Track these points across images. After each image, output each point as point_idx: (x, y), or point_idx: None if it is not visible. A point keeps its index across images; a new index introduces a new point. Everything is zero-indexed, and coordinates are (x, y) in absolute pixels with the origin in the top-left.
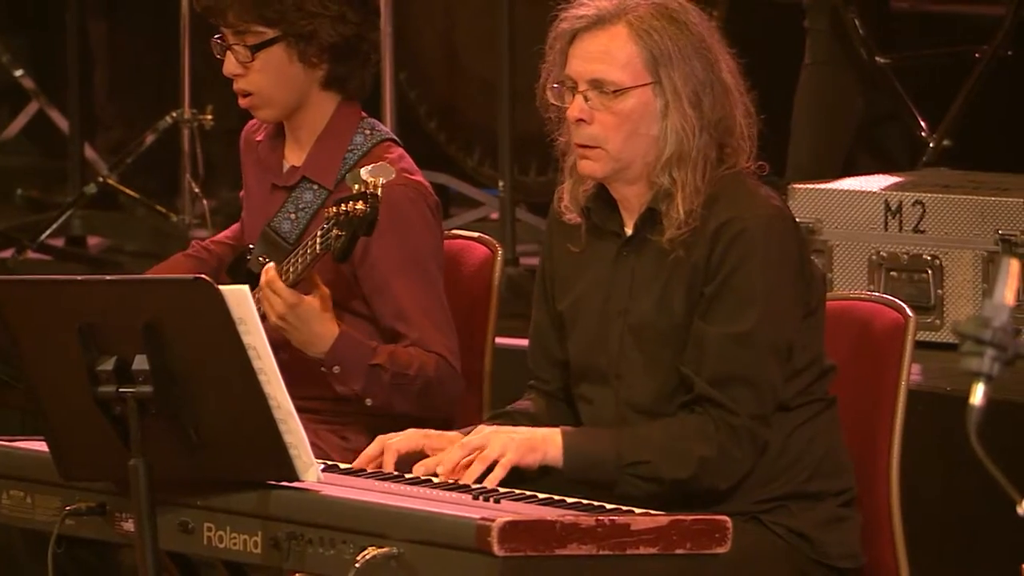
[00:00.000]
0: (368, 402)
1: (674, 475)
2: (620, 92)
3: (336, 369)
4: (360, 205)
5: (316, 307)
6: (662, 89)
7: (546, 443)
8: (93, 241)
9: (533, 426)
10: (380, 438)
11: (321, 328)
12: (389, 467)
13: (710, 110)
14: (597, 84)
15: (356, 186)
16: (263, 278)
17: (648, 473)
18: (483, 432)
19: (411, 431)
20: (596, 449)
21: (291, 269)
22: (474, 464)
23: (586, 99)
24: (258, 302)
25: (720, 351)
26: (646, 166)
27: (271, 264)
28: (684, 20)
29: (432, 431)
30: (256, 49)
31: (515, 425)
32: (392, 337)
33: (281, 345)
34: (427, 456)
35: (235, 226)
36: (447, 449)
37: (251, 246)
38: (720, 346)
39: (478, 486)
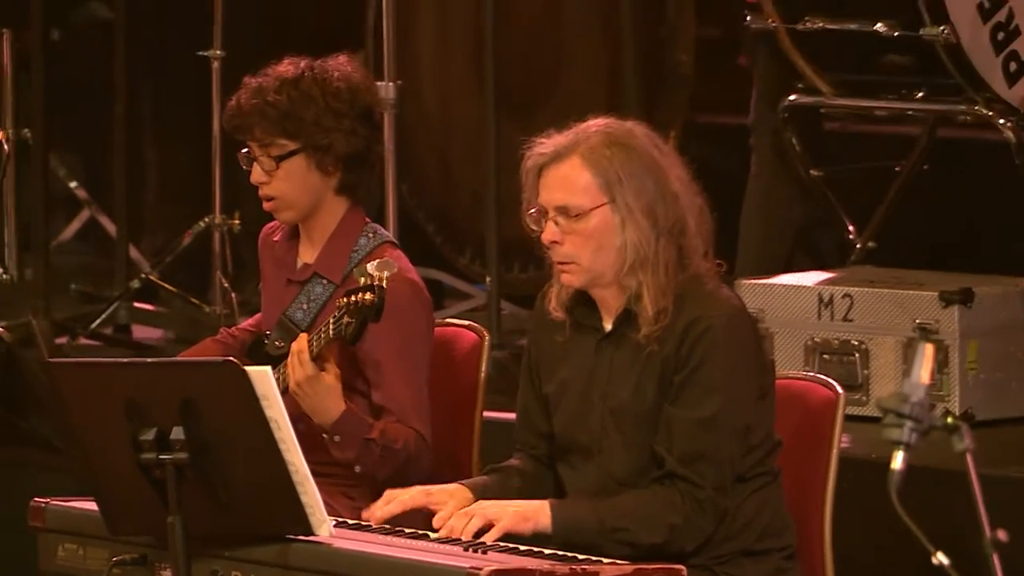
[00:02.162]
0: (357, 469)
1: (649, 540)
2: (582, 215)
3: (336, 438)
4: (368, 295)
5: (330, 383)
6: (617, 207)
7: (537, 514)
8: (137, 329)
9: (525, 481)
10: (388, 492)
11: (330, 403)
12: (389, 515)
13: (663, 218)
14: (562, 210)
15: (363, 279)
16: (295, 346)
17: (626, 538)
18: (483, 504)
19: (416, 488)
20: (580, 518)
21: (314, 344)
22: (473, 520)
23: (556, 223)
24: (280, 373)
25: (687, 433)
26: (616, 273)
27: (303, 335)
28: (631, 144)
29: (434, 487)
30: (280, 160)
31: (508, 479)
32: (378, 410)
33: (299, 417)
34: (429, 510)
35: (257, 316)
36: (452, 516)
37: (268, 332)
38: (687, 429)
39: (468, 540)
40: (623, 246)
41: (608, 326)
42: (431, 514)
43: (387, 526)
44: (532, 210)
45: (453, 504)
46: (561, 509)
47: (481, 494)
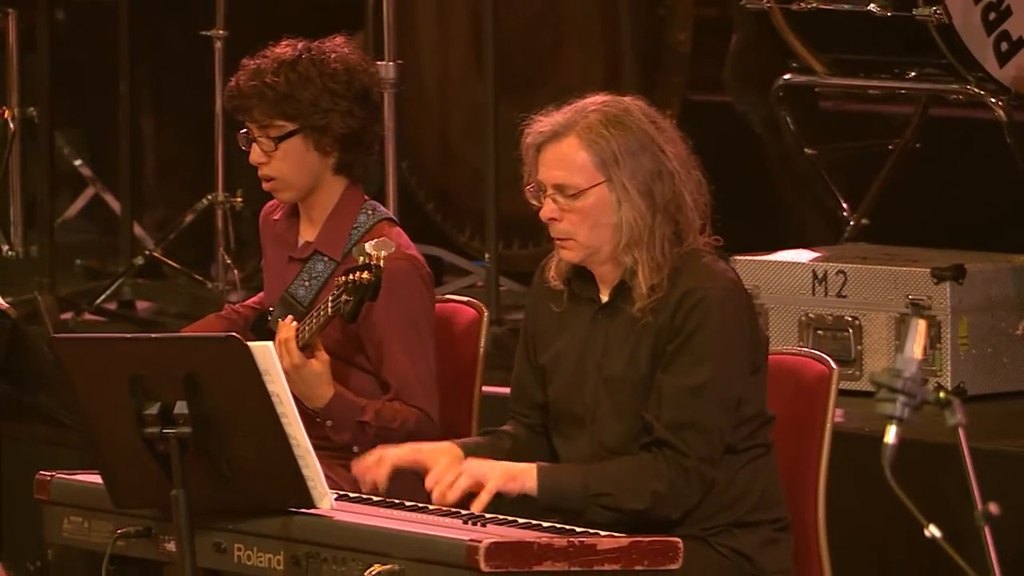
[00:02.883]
0: (355, 450)
1: (631, 506)
2: (579, 194)
3: (328, 423)
4: (366, 275)
5: (317, 370)
6: (614, 185)
7: (524, 475)
8: (141, 305)
9: (515, 444)
10: (379, 449)
11: (319, 389)
12: (383, 476)
13: (660, 195)
14: (560, 188)
15: (361, 258)
16: (281, 334)
17: (610, 503)
18: (471, 463)
19: (407, 445)
20: (566, 482)
21: (306, 329)
22: (461, 478)
23: (554, 201)
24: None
25: (676, 400)
26: (612, 249)
27: (290, 320)
28: (628, 122)
29: (425, 445)
30: (278, 140)
31: (499, 440)
32: (384, 386)
33: None
34: (421, 468)
35: (261, 294)
36: (443, 471)
37: (271, 309)
38: (677, 395)
39: (467, 512)
40: (619, 224)
41: (604, 298)
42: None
43: (387, 499)
44: (531, 185)
45: (445, 462)
46: (548, 472)
47: (472, 452)
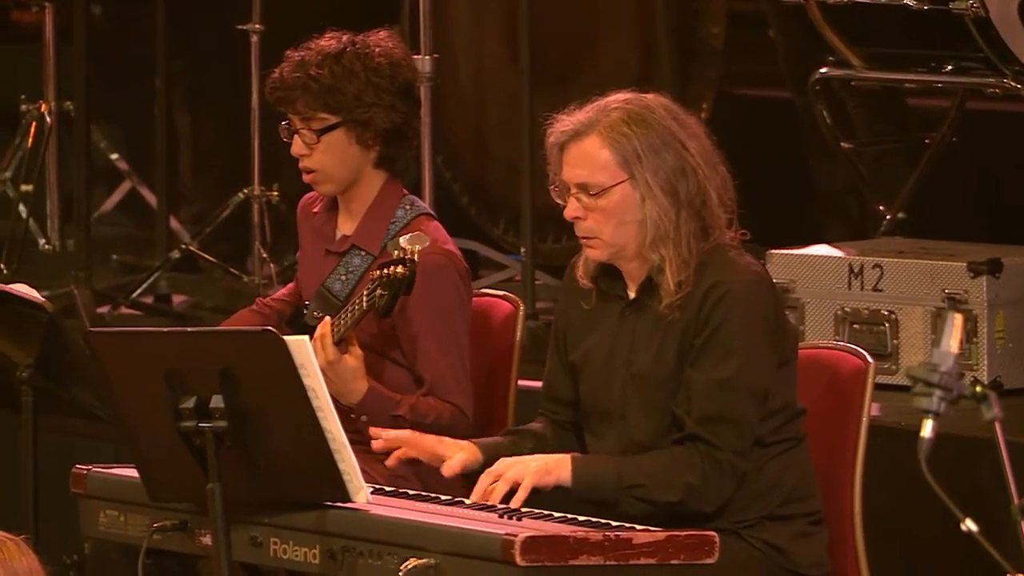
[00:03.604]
0: None
1: (665, 498)
2: (602, 192)
3: (363, 418)
4: (400, 269)
5: (351, 366)
6: (637, 183)
7: (559, 467)
8: (177, 299)
9: (539, 443)
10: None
11: (354, 384)
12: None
13: (684, 191)
14: (583, 187)
15: (396, 252)
16: (319, 330)
17: (643, 495)
18: (505, 463)
19: (429, 436)
20: (600, 473)
21: (341, 323)
22: (499, 484)
23: (578, 200)
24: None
25: (705, 394)
26: (638, 246)
27: (327, 319)
28: (650, 119)
29: (447, 439)
30: (321, 133)
31: (521, 440)
32: (418, 380)
33: None
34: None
35: (290, 285)
36: (482, 481)
37: (307, 303)
38: (705, 390)
39: (503, 506)
40: (643, 221)
41: (632, 294)
42: (467, 479)
43: (423, 492)
44: (555, 186)
45: (461, 457)
46: (582, 463)
47: (493, 452)
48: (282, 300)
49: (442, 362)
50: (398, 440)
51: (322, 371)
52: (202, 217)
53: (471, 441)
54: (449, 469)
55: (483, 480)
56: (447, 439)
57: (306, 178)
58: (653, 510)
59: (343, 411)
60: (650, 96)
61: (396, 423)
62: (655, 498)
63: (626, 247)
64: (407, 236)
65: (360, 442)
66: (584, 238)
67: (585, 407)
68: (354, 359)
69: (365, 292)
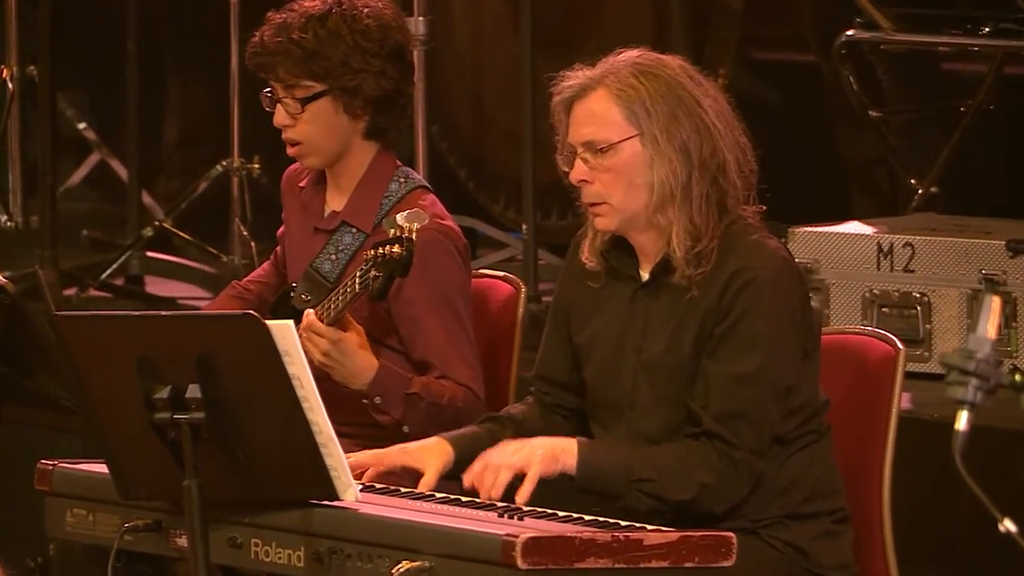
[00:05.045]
0: (405, 429)
1: (676, 496)
2: (609, 148)
3: (377, 399)
4: (396, 248)
5: (356, 342)
6: (646, 139)
7: (565, 454)
8: (150, 280)
9: (519, 431)
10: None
11: (362, 362)
12: (369, 479)
13: (696, 152)
14: (590, 145)
15: (392, 231)
16: (304, 322)
17: (652, 490)
18: (508, 447)
19: (394, 448)
20: (607, 463)
21: (332, 307)
22: (502, 472)
23: (585, 161)
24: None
25: (725, 390)
26: (650, 212)
27: (309, 312)
28: (661, 73)
29: (412, 445)
30: (305, 102)
31: (500, 428)
32: (422, 369)
33: (322, 376)
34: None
35: (265, 265)
36: (479, 472)
37: (294, 285)
38: (725, 385)
39: (503, 504)
40: (654, 183)
41: (645, 275)
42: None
43: (416, 490)
44: (562, 151)
45: (433, 467)
46: (589, 450)
47: (468, 446)
48: (260, 282)
49: (446, 344)
50: (358, 465)
51: (326, 357)
52: (178, 192)
53: (440, 437)
54: (426, 487)
55: (486, 471)
56: (410, 446)
57: (290, 151)
58: (660, 507)
59: (336, 399)
60: (665, 56)
61: (412, 403)
62: (665, 495)
63: (637, 214)
64: (404, 213)
65: (349, 435)
66: (592, 205)
67: (591, 396)
68: (356, 336)
69: (358, 273)
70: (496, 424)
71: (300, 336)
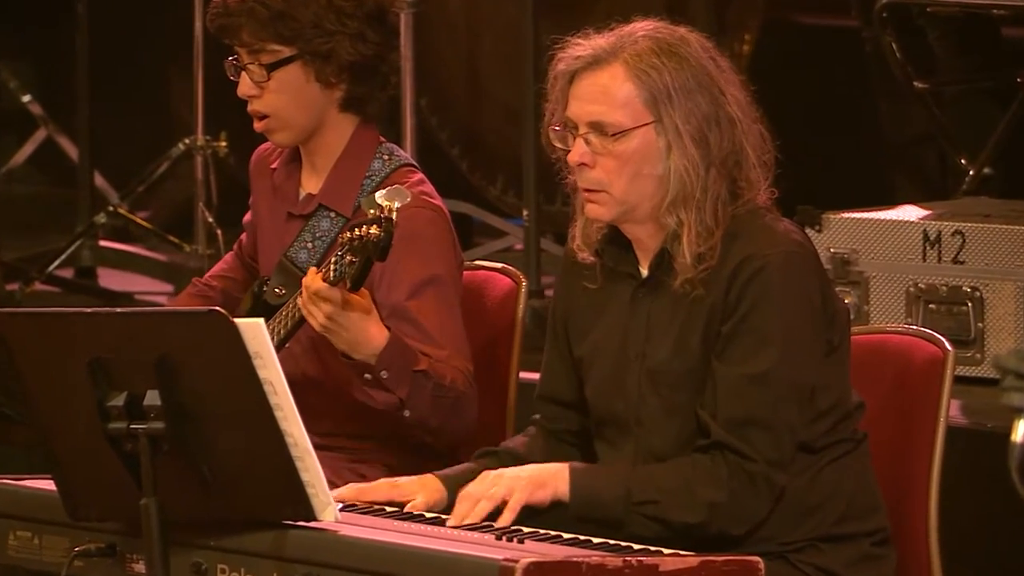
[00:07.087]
0: (406, 413)
1: (682, 519)
2: (621, 134)
3: (384, 374)
4: (374, 230)
5: (364, 305)
6: (664, 128)
7: (556, 479)
8: (103, 273)
9: (518, 464)
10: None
11: (372, 329)
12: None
13: (716, 145)
14: (597, 127)
15: (372, 211)
16: (305, 282)
17: (656, 514)
18: (487, 477)
19: (382, 480)
20: (605, 486)
21: (332, 269)
22: (481, 503)
23: (587, 142)
24: (277, 324)
25: (736, 393)
26: (654, 207)
27: (314, 270)
28: (684, 54)
29: (402, 479)
30: (272, 68)
31: (501, 464)
32: None
33: (297, 381)
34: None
35: (227, 257)
36: (461, 507)
37: (267, 278)
38: (736, 387)
39: (501, 526)
40: (665, 175)
41: (644, 271)
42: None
43: (402, 510)
44: (557, 126)
45: (422, 500)
46: (583, 473)
47: (461, 485)
48: (224, 277)
49: (437, 331)
50: (339, 500)
51: (330, 321)
52: (134, 173)
53: (433, 475)
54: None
55: (462, 503)
56: (401, 480)
57: (258, 126)
58: (667, 532)
59: (313, 407)
60: (682, 29)
61: (419, 382)
62: (669, 517)
63: (639, 206)
64: (384, 191)
65: (328, 447)
66: (588, 190)
67: (595, 412)
68: (363, 299)
69: (332, 260)
70: (494, 460)
71: (301, 298)
